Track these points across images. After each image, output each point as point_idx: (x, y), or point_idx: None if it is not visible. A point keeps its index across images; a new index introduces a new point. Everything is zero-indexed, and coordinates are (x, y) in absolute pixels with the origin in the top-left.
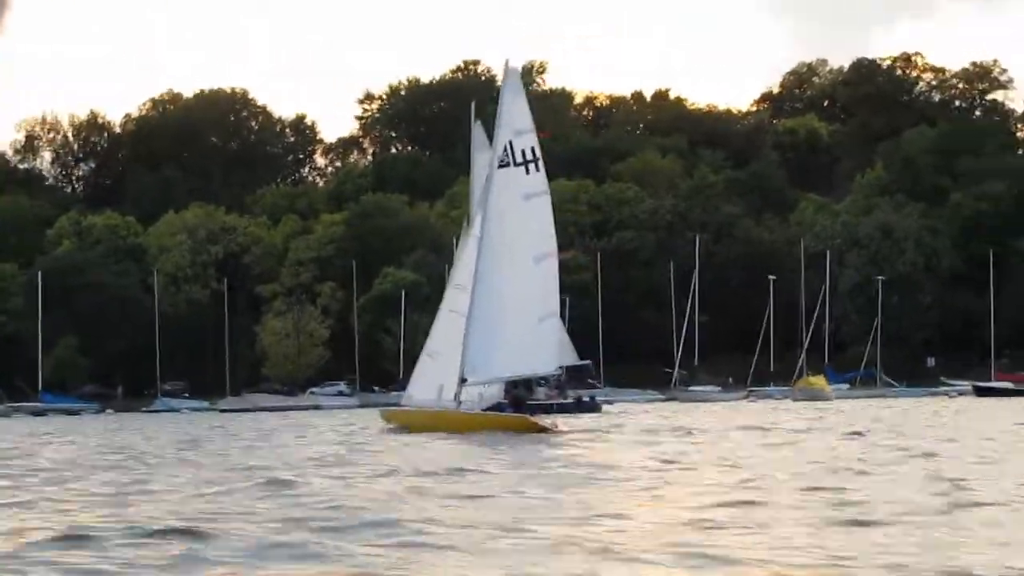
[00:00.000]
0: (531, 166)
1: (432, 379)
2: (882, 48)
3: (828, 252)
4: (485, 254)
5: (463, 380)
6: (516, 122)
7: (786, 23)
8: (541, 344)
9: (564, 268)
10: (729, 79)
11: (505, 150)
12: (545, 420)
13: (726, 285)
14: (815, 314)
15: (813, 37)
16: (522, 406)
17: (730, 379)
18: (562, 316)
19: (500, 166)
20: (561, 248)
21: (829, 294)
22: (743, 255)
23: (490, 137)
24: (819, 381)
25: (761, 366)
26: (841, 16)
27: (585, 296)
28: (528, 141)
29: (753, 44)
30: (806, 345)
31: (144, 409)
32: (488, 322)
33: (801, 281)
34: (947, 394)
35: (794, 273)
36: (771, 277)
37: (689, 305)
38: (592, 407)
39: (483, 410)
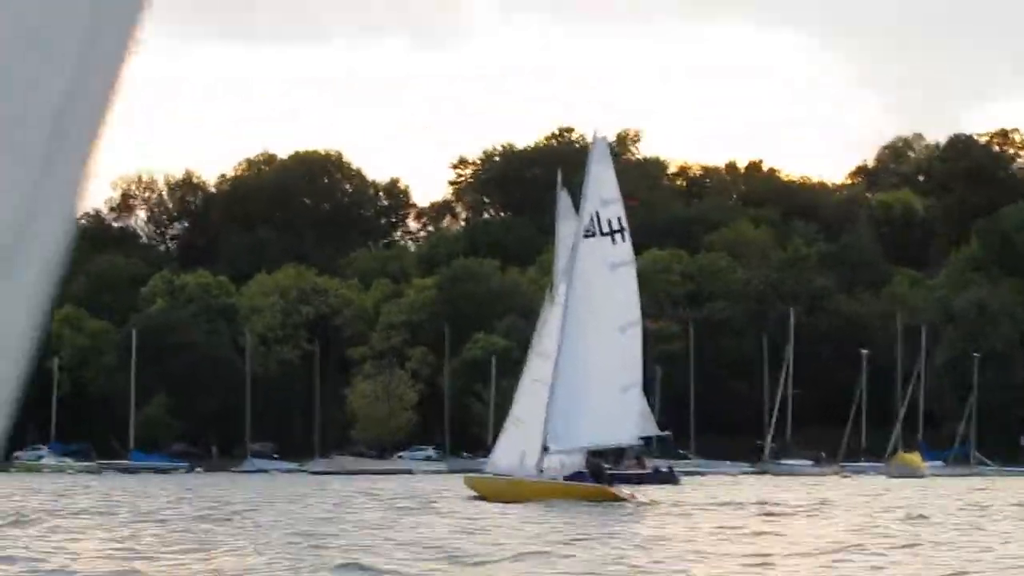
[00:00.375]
0: (617, 236)
1: (515, 446)
2: (977, 124)
3: (924, 328)
4: (570, 322)
5: (545, 448)
6: (603, 192)
7: (880, 97)
8: (625, 414)
9: (655, 337)
10: (823, 152)
11: (592, 220)
12: (623, 491)
13: (818, 358)
14: (908, 389)
15: (907, 112)
16: (601, 475)
17: (823, 453)
18: (653, 385)
19: (586, 236)
20: (652, 317)
21: (924, 369)
22: (835, 328)
23: (576, 206)
24: (914, 458)
25: (852, 440)
26: (937, 91)
27: (676, 365)
28: (614, 211)
29: (846, 117)
30: (900, 420)
31: (234, 469)
32: (572, 390)
33: (897, 355)
34: None
35: (886, 347)
36: (864, 351)
37: (783, 377)
38: (670, 478)
39: (564, 478)
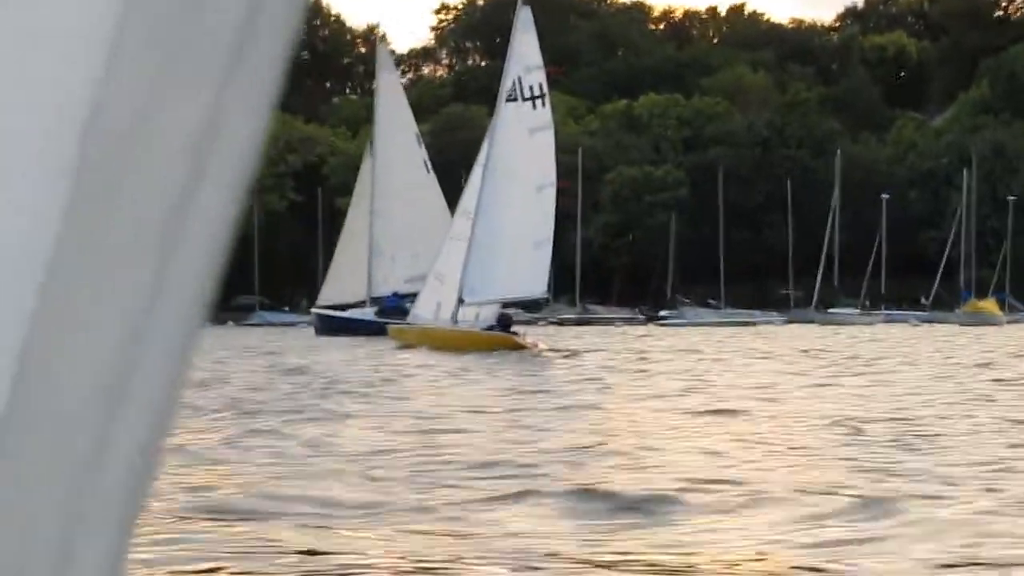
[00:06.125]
0: (538, 101)
1: (434, 298)
2: None
3: (965, 170)
4: (489, 183)
5: (461, 300)
6: (526, 58)
7: None
8: (536, 269)
9: (659, 184)
10: None
11: (514, 84)
12: (527, 339)
13: (827, 204)
14: (949, 234)
15: None
16: (509, 326)
17: (867, 301)
18: (666, 233)
19: (508, 100)
20: (654, 164)
21: (964, 214)
22: (845, 173)
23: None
24: (989, 305)
25: (874, 288)
26: None
27: (683, 213)
28: (536, 77)
29: None
30: (943, 266)
31: (245, 323)
32: (488, 246)
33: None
34: None
35: (899, 192)
36: (884, 196)
37: (830, 223)
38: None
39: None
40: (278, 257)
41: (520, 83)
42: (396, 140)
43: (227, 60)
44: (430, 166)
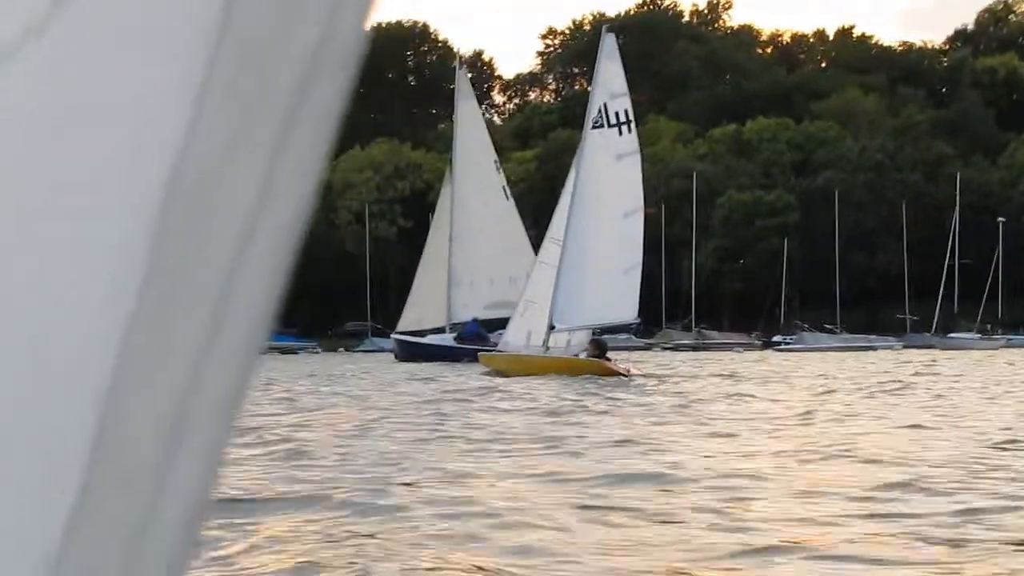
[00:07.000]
0: (624, 127)
1: (525, 326)
2: None
3: None
4: (577, 209)
5: (551, 327)
6: (611, 85)
7: None
8: (626, 294)
9: (770, 210)
10: (913, 16)
11: (600, 112)
12: (620, 366)
13: (941, 227)
14: None
15: None
16: (605, 352)
17: (988, 325)
18: (777, 258)
19: (594, 127)
20: (764, 188)
21: None
22: (955, 196)
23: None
24: None
25: (990, 312)
26: None
27: (794, 238)
28: (622, 104)
29: None
30: None
31: (355, 349)
32: (577, 272)
33: None
34: None
35: (1014, 214)
36: (1000, 220)
37: (949, 248)
38: None
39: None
40: (389, 283)
41: (606, 109)
42: (475, 167)
43: (281, 127)
44: (508, 192)
